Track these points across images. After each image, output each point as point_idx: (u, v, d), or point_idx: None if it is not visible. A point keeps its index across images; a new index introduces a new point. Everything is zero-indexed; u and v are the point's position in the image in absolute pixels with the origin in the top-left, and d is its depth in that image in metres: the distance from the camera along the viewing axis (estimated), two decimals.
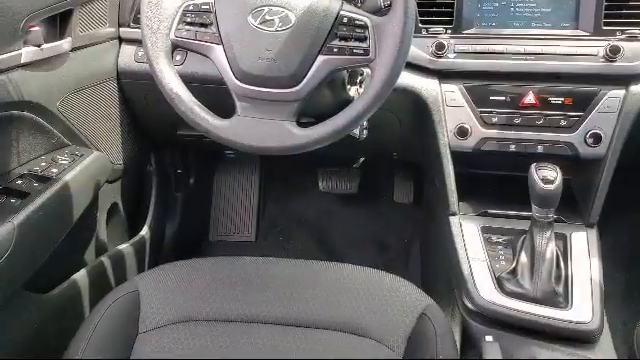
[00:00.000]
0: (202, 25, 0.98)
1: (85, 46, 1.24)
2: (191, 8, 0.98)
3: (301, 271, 1.05)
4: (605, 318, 1.06)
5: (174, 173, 1.80)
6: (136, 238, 1.55)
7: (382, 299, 0.98)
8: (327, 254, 1.94)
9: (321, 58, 0.94)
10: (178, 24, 0.98)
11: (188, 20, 0.98)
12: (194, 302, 0.98)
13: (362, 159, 1.96)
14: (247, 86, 0.97)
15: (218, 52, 0.97)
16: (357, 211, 2.02)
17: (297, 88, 0.95)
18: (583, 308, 1.05)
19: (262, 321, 0.96)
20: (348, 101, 1.01)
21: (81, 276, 1.27)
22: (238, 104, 0.98)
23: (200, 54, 0.99)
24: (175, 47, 0.99)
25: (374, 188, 2.03)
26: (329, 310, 0.97)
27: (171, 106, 1.00)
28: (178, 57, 1.27)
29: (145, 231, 1.60)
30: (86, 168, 1.22)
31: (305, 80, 0.95)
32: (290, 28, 0.94)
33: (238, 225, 2.04)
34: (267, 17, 0.95)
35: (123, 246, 1.47)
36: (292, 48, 0.94)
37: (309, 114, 1.07)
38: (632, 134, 1.17)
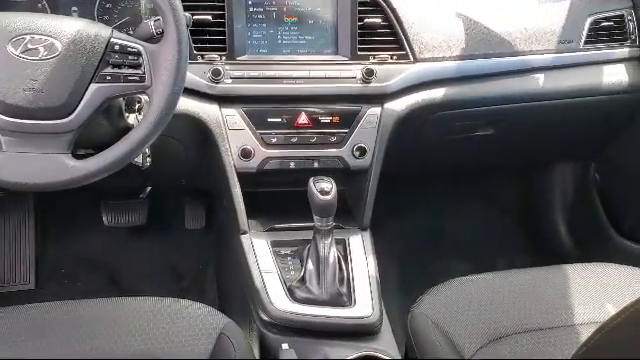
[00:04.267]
0: None
1: None
2: None
3: (90, 310, 1.00)
4: (384, 310, 1.18)
5: None
6: None
7: (179, 325, 0.98)
8: (120, 291, 1.85)
9: (94, 86, 0.92)
10: None
11: None
12: None
13: (149, 188, 1.91)
14: (12, 119, 0.90)
15: None
16: (148, 243, 1.96)
17: (69, 119, 0.92)
18: (364, 304, 1.15)
19: None
20: (127, 129, 1.00)
21: None
22: (3, 139, 0.91)
23: None
24: None
25: (164, 217, 1.99)
26: (124, 346, 0.94)
27: None
28: None
29: None
30: None
31: (77, 110, 0.91)
32: (57, 57, 0.90)
33: (12, 273, 1.83)
34: (29, 46, 0.90)
35: None
36: (60, 77, 0.90)
37: (86, 145, 1.03)
38: (390, 146, 1.32)
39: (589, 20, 1.43)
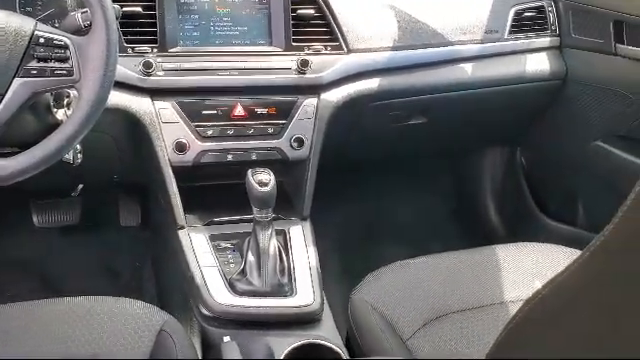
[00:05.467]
0: None
1: None
2: None
3: (20, 315, 0.96)
4: (325, 298, 1.19)
5: None
6: None
7: (117, 325, 0.96)
8: (54, 294, 1.78)
9: (18, 81, 0.88)
10: None
11: None
12: None
13: (81, 186, 1.86)
14: None
15: None
16: (82, 242, 1.90)
17: None
18: (306, 293, 1.16)
19: None
20: (56, 125, 0.97)
21: None
22: None
23: None
24: None
25: (98, 215, 1.93)
26: (57, 350, 0.91)
27: None
28: None
29: None
30: None
31: (1, 106, 0.88)
32: None
33: None
34: None
35: None
36: None
37: (13, 143, 0.98)
38: (327, 136, 1.34)
39: (512, 11, 1.49)
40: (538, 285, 0.57)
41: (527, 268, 1.13)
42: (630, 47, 1.37)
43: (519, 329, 0.60)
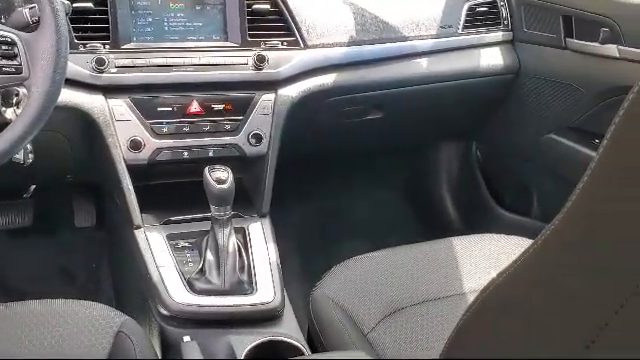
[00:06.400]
0: None
1: None
2: None
3: None
4: (286, 294, 1.19)
5: None
6: None
7: (73, 327, 0.94)
8: (9, 297, 1.73)
9: None
10: None
11: None
12: None
13: (33, 187, 1.81)
14: None
15: None
16: (36, 244, 1.85)
17: None
18: (266, 290, 1.15)
19: None
20: (5, 125, 0.94)
21: None
22: None
23: None
24: None
25: (52, 216, 1.89)
26: (15, 352, 0.88)
27: None
28: None
29: None
30: None
31: None
32: None
33: None
34: None
35: None
36: None
37: None
38: (285, 132, 1.33)
39: (466, 6, 1.51)
40: (493, 275, 0.59)
41: (483, 259, 1.15)
42: (579, 41, 1.41)
43: (475, 318, 0.61)
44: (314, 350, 1.07)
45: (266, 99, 1.30)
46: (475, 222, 1.87)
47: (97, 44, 1.20)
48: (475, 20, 1.53)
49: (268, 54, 1.28)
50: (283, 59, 1.30)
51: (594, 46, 1.36)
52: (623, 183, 0.46)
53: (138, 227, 1.26)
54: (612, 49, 1.32)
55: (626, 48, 1.29)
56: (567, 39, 1.44)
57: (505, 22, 1.57)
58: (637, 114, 0.45)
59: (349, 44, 1.38)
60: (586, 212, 0.49)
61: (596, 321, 0.48)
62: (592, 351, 0.48)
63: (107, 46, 1.20)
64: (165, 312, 1.11)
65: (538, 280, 0.54)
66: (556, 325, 0.52)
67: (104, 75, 1.19)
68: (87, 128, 1.22)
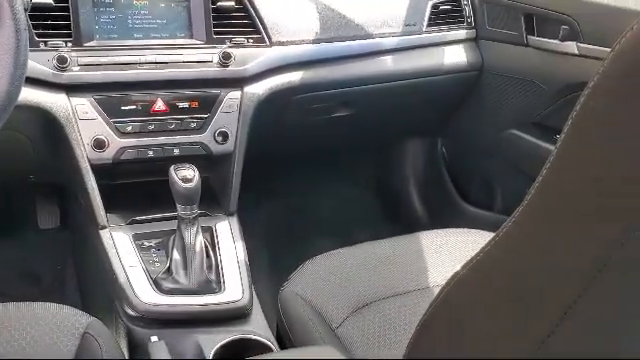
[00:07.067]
0: None
1: None
2: None
3: None
4: (254, 293, 1.19)
5: None
6: None
7: (37, 330, 0.92)
8: None
9: None
10: None
11: None
12: None
13: None
14: None
15: None
16: None
17: None
18: (234, 288, 1.15)
19: None
20: None
21: None
22: None
23: None
24: None
25: (14, 218, 1.84)
26: None
27: None
28: None
29: None
30: None
31: None
32: None
33: None
34: None
35: None
36: None
37: None
38: (252, 130, 1.33)
39: (430, 4, 1.53)
40: (458, 268, 0.60)
41: (448, 252, 1.17)
42: (540, 38, 1.44)
43: (440, 311, 0.62)
44: (283, 347, 1.07)
45: (232, 97, 1.29)
46: (441, 217, 1.90)
47: (59, 42, 1.18)
48: (439, 18, 1.55)
49: (234, 51, 1.27)
50: (249, 56, 1.30)
51: (554, 43, 1.39)
52: (578, 176, 0.47)
53: (103, 227, 1.24)
54: (572, 46, 1.35)
55: (585, 45, 1.32)
56: (529, 36, 1.47)
57: (468, 20, 1.59)
58: (592, 108, 0.46)
59: (315, 41, 1.38)
60: (544, 205, 0.50)
61: (555, 311, 0.49)
62: (552, 341, 0.50)
63: (69, 44, 1.18)
64: (132, 312, 1.10)
65: (499, 272, 0.55)
66: (516, 316, 0.53)
67: (66, 73, 1.17)
68: (49, 127, 1.20)
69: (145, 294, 1.11)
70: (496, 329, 0.56)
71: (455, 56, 1.57)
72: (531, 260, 0.51)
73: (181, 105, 1.26)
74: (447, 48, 1.56)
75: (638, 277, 0.47)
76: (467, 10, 1.59)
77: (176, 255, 1.14)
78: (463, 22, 1.59)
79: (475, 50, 1.60)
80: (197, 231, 1.15)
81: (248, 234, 1.35)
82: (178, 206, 1.12)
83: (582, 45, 1.33)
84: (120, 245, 1.20)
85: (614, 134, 0.44)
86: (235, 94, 1.29)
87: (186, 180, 1.09)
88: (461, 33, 1.58)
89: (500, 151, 1.66)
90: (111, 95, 1.21)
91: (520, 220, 0.52)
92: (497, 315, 0.55)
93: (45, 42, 1.17)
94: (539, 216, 0.51)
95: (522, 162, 1.59)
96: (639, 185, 0.43)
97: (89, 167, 1.21)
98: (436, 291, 1.03)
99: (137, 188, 1.35)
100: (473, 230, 1.23)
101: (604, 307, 0.48)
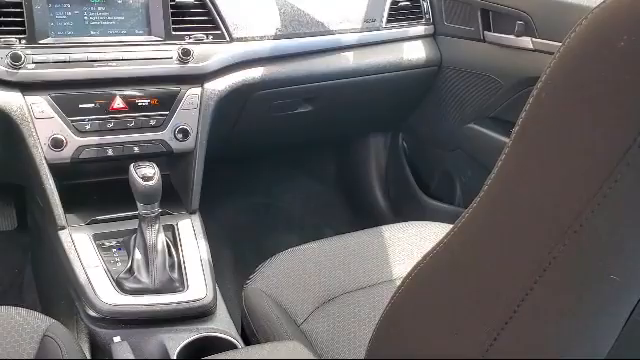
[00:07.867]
0: None
1: None
2: None
3: None
4: (218, 290, 1.19)
5: None
6: None
7: None
8: None
9: None
10: None
11: None
12: None
13: None
14: None
15: None
16: None
17: None
18: (198, 287, 1.15)
19: None
20: None
21: None
22: None
23: None
24: None
25: None
26: None
27: None
28: None
29: None
30: None
31: None
32: None
33: None
34: None
35: None
36: None
37: None
38: (213, 127, 1.32)
39: (389, 0, 1.54)
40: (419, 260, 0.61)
41: (413, 245, 1.18)
42: (496, 34, 1.47)
43: (402, 302, 0.63)
44: (248, 344, 1.07)
45: (192, 93, 1.28)
46: (403, 210, 1.92)
47: (12, 39, 1.15)
48: (398, 14, 1.57)
49: (193, 48, 1.26)
50: (209, 53, 1.29)
51: (510, 39, 1.42)
52: (531, 166, 0.49)
53: (62, 228, 1.22)
54: (527, 41, 1.38)
55: (539, 40, 1.36)
56: (485, 32, 1.50)
57: (427, 16, 1.62)
58: (542, 100, 0.47)
59: (275, 37, 1.38)
60: (498, 197, 0.52)
61: (508, 303, 0.50)
62: (506, 332, 0.51)
63: (23, 41, 1.15)
64: (93, 313, 1.09)
65: (455, 263, 0.56)
66: (471, 307, 0.54)
67: (20, 71, 1.14)
68: (4, 127, 1.17)
69: (106, 294, 1.10)
70: (451, 322, 0.57)
71: (414, 52, 1.59)
72: (486, 251, 0.53)
73: (140, 102, 1.24)
74: (406, 44, 1.58)
75: (587, 269, 0.48)
76: (425, 6, 1.61)
77: (138, 254, 1.13)
78: (422, 18, 1.61)
79: (433, 46, 1.62)
80: (159, 230, 1.14)
81: (212, 232, 1.34)
82: (139, 205, 1.11)
83: (537, 40, 1.36)
84: (80, 245, 1.18)
85: (564, 126, 0.46)
86: (195, 91, 1.28)
87: (146, 178, 1.08)
88: (420, 29, 1.60)
89: (459, 145, 1.69)
90: (68, 93, 1.19)
91: (475, 212, 0.53)
92: (453, 307, 0.56)
93: None
94: (493, 209, 0.52)
95: (480, 156, 1.62)
96: (587, 175, 0.45)
97: (47, 167, 1.19)
98: (398, 283, 1.04)
99: (97, 187, 1.33)
100: (433, 222, 1.26)
101: (555, 300, 0.49)
